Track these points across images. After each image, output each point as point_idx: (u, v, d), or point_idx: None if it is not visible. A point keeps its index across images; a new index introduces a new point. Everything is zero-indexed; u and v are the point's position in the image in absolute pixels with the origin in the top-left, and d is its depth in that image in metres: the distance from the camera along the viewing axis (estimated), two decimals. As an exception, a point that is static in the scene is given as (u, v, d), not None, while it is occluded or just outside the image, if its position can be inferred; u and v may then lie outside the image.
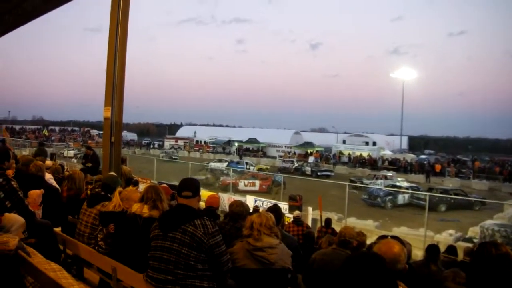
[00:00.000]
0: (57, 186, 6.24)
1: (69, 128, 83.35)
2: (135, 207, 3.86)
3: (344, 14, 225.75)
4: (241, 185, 27.19)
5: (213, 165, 40.07)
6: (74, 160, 31.41)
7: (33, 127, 76.41)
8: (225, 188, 24.49)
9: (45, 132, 68.55)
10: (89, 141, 63.43)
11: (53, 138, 65.83)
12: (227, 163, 43.87)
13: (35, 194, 4.86)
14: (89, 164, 12.05)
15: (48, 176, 6.36)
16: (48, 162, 8.49)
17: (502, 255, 2.15)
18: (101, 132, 48.76)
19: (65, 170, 9.69)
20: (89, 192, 5.42)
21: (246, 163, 44.98)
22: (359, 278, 1.93)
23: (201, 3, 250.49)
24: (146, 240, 3.33)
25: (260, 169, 43.00)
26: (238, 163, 44.53)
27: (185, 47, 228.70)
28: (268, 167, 47.50)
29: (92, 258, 4.20)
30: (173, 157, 51.83)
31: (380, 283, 1.92)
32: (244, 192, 22.87)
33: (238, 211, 4.97)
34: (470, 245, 13.14)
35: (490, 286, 2.12)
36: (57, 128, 79.67)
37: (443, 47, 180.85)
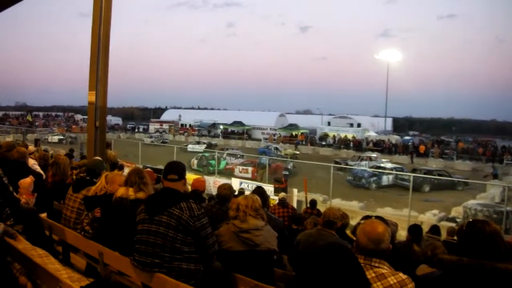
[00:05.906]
0: (42, 171, 6.20)
1: (53, 114, 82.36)
2: (121, 191, 3.85)
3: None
4: (236, 171, 26.51)
5: (191, 147, 39.33)
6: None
7: (16, 113, 75.39)
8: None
9: (28, 117, 67.67)
10: (73, 126, 63.12)
11: (37, 123, 65.11)
12: (205, 145, 43.42)
13: (26, 183, 4.81)
14: None
15: (32, 162, 6.32)
16: (31, 148, 8.45)
17: (494, 232, 2.21)
18: (85, 117, 48.31)
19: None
20: (74, 177, 5.40)
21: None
22: (326, 268, 1.95)
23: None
24: (133, 223, 3.33)
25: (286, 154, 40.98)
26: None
27: (176, 31, 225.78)
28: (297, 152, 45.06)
29: (79, 243, 4.19)
30: (164, 140, 51.70)
31: (346, 274, 1.95)
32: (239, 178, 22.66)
33: (225, 194, 5.00)
34: (453, 224, 13.37)
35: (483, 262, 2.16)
36: (41, 114, 78.67)
37: (431, 30, 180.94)
